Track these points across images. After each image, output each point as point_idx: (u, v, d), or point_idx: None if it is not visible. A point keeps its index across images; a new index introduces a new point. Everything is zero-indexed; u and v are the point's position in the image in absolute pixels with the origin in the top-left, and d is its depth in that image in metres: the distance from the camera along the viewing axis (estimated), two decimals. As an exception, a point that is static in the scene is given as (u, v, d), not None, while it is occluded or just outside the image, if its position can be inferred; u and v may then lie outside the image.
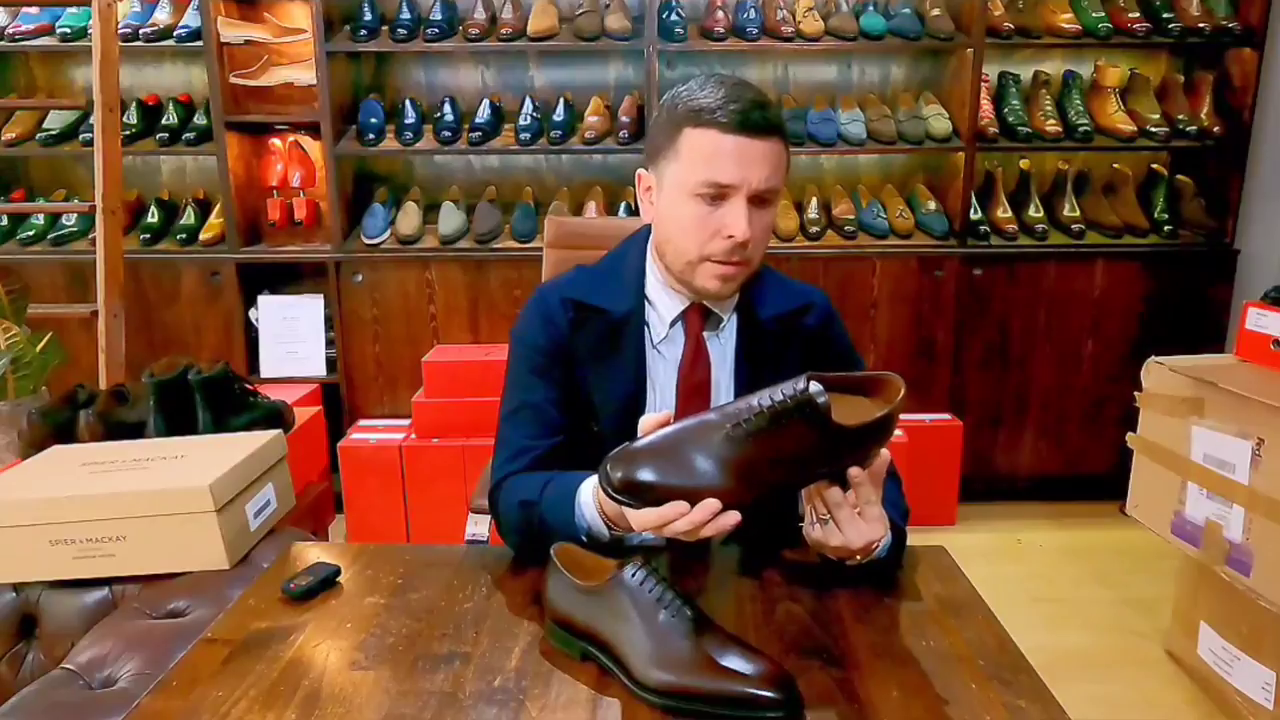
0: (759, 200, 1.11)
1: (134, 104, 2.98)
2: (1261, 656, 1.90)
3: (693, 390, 1.22)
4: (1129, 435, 2.20)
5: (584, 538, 1.06)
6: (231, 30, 2.86)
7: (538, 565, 1.03)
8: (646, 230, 1.25)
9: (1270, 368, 1.98)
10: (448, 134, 2.92)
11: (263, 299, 3.01)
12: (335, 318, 2.97)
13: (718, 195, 1.10)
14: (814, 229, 2.96)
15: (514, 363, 1.24)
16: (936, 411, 2.99)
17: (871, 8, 2.95)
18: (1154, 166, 3.09)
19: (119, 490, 1.36)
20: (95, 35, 2.23)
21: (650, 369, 1.23)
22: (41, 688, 1.16)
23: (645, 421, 0.97)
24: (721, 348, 1.24)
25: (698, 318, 1.22)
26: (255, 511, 1.49)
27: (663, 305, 1.23)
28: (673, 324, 1.22)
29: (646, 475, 0.90)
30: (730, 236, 1.10)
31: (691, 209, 1.11)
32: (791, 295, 1.27)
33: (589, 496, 1.06)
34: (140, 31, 2.86)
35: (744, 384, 1.23)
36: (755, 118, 1.08)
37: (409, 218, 2.98)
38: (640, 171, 1.21)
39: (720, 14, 2.90)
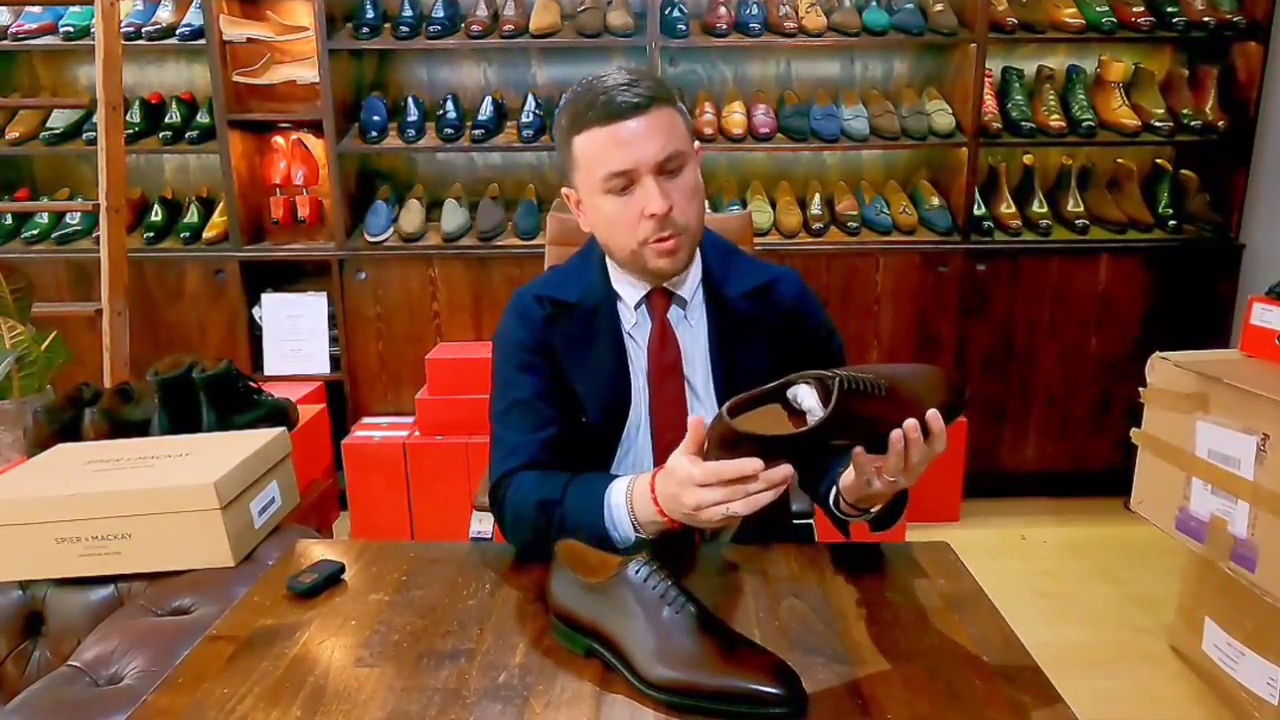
0: (665, 170, 1.13)
1: (137, 102, 2.98)
2: (1266, 652, 1.90)
3: (665, 372, 1.23)
4: (1133, 431, 2.19)
5: (610, 540, 1.07)
6: (234, 28, 2.86)
7: (543, 562, 1.04)
8: None
9: (1275, 363, 1.97)
10: (450, 131, 2.92)
11: (266, 297, 3.01)
12: (339, 315, 2.98)
13: (626, 183, 1.12)
14: (817, 225, 2.96)
15: (499, 364, 1.26)
16: (940, 407, 2.99)
17: (874, 3, 2.94)
18: (1158, 161, 3.08)
19: (124, 488, 1.37)
20: (98, 34, 2.24)
21: (630, 355, 1.25)
22: (47, 685, 1.16)
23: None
24: (693, 330, 1.26)
25: (661, 300, 1.24)
26: (260, 509, 1.49)
27: (627, 294, 1.25)
28: (637, 308, 1.24)
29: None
30: (652, 215, 1.11)
31: (609, 205, 1.14)
32: (758, 273, 1.29)
33: (620, 498, 1.07)
34: (143, 30, 2.87)
35: (719, 363, 1.24)
36: (626, 98, 1.10)
37: (412, 215, 2.99)
38: (565, 190, 1.24)
39: (723, 10, 2.90)
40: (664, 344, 1.23)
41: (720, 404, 1.20)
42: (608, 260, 1.26)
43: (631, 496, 1.06)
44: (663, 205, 1.11)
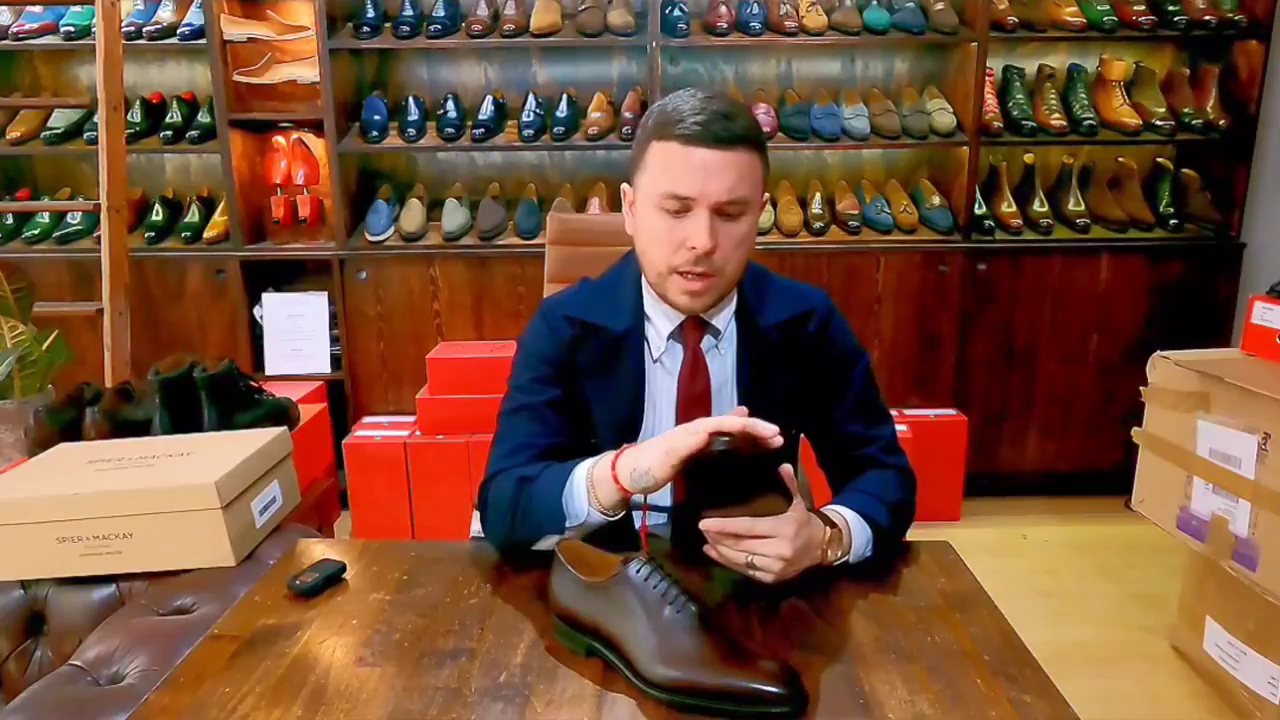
0: (724, 212, 1.10)
1: (138, 102, 2.98)
2: (1267, 651, 1.90)
3: (692, 402, 1.22)
4: (1134, 430, 2.19)
5: (564, 516, 1.07)
6: (234, 28, 2.86)
7: (528, 561, 1.08)
8: None
9: (1276, 362, 1.97)
10: (451, 131, 2.92)
11: (267, 296, 3.01)
12: (340, 315, 2.98)
13: (680, 208, 1.10)
14: (818, 224, 2.95)
15: (518, 368, 1.25)
16: (941, 407, 2.99)
17: (875, 2, 2.94)
18: (1159, 160, 3.07)
19: (125, 488, 1.37)
20: (99, 34, 2.24)
21: (649, 384, 1.23)
22: (49, 684, 1.16)
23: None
24: (723, 359, 1.24)
25: (694, 330, 1.23)
26: (261, 508, 1.49)
27: (659, 320, 1.23)
28: (670, 338, 1.23)
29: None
30: (692, 248, 1.10)
31: (657, 221, 1.12)
32: (793, 302, 1.26)
33: (582, 474, 1.07)
34: (144, 30, 2.87)
35: (746, 391, 1.23)
36: (716, 129, 1.07)
37: (412, 215, 2.99)
38: (624, 185, 1.22)
39: (723, 9, 2.89)
40: (695, 374, 1.22)
41: None
42: (644, 283, 1.25)
43: (596, 464, 1.07)
44: (706, 243, 1.09)
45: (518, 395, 1.23)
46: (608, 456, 1.06)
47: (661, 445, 0.99)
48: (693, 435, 0.96)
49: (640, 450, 1.02)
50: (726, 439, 0.93)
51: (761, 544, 0.97)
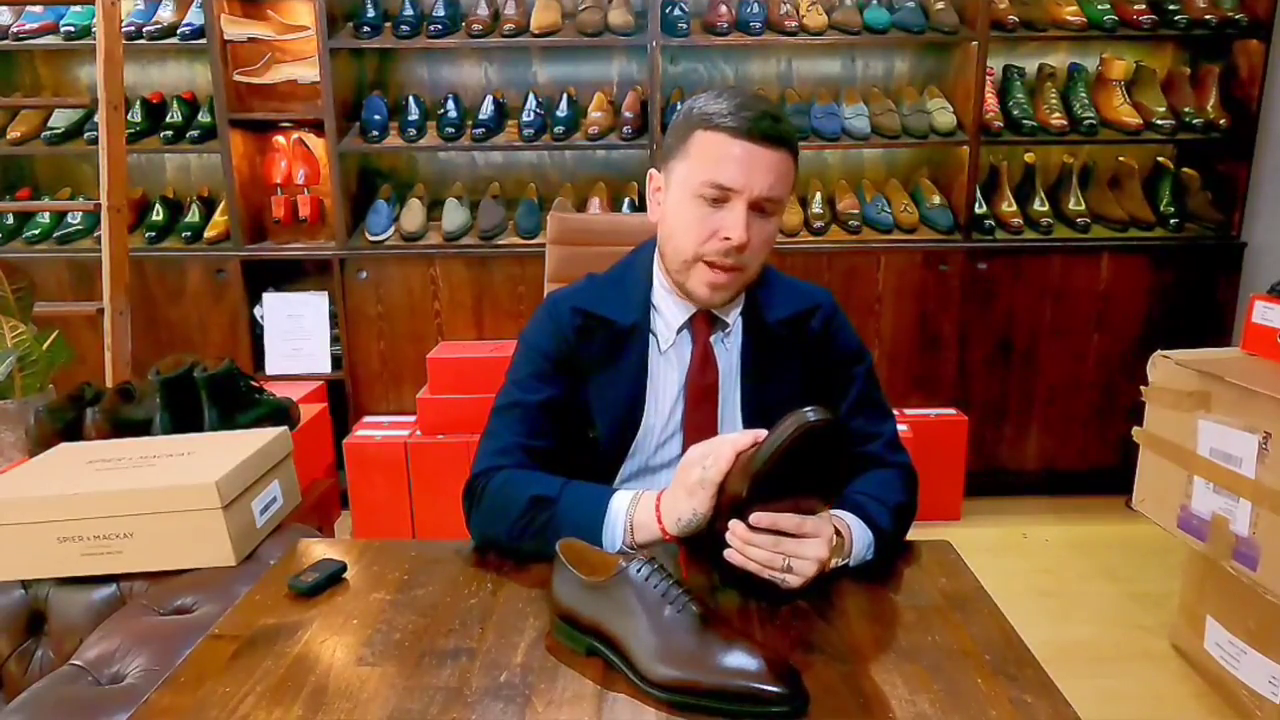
0: (760, 209, 1.13)
1: (138, 102, 2.98)
2: (1268, 650, 1.90)
3: (701, 395, 1.23)
4: (1135, 429, 2.19)
5: (599, 544, 1.07)
6: (235, 28, 2.86)
7: (520, 558, 1.09)
8: (655, 240, 1.27)
9: (1277, 361, 1.97)
10: (451, 130, 2.92)
11: (268, 296, 3.01)
12: (340, 314, 2.98)
13: (719, 198, 1.12)
14: (818, 224, 2.95)
15: (518, 362, 1.25)
16: (942, 406, 2.99)
17: (876, 1, 2.94)
18: (1160, 160, 3.07)
19: (126, 487, 1.36)
20: (99, 33, 2.23)
21: (653, 377, 1.24)
22: (50, 684, 1.16)
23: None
24: (728, 353, 1.25)
25: (704, 324, 1.23)
26: (261, 508, 1.49)
27: (669, 312, 1.24)
28: (680, 330, 1.24)
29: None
30: (726, 239, 1.11)
31: (693, 208, 1.14)
32: (798, 298, 1.28)
33: (621, 505, 1.07)
34: (144, 29, 2.87)
35: (750, 388, 1.24)
36: (764, 126, 1.10)
37: (413, 214, 2.99)
38: (651, 171, 1.23)
39: (723, 8, 2.89)
40: (705, 368, 1.23)
41: (745, 424, 1.23)
42: (655, 273, 1.25)
43: (635, 505, 1.06)
44: (742, 236, 1.11)
45: (513, 390, 1.23)
46: (647, 501, 1.05)
47: (692, 481, 0.99)
48: (720, 459, 0.96)
49: (674, 498, 1.02)
50: (819, 410, 0.91)
51: (802, 545, 0.96)
